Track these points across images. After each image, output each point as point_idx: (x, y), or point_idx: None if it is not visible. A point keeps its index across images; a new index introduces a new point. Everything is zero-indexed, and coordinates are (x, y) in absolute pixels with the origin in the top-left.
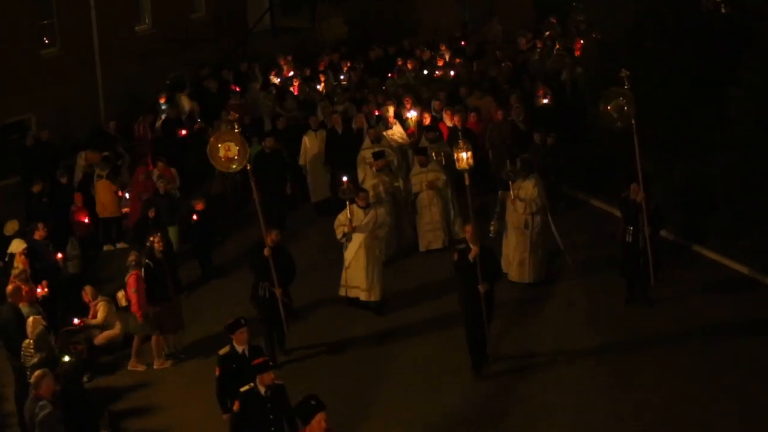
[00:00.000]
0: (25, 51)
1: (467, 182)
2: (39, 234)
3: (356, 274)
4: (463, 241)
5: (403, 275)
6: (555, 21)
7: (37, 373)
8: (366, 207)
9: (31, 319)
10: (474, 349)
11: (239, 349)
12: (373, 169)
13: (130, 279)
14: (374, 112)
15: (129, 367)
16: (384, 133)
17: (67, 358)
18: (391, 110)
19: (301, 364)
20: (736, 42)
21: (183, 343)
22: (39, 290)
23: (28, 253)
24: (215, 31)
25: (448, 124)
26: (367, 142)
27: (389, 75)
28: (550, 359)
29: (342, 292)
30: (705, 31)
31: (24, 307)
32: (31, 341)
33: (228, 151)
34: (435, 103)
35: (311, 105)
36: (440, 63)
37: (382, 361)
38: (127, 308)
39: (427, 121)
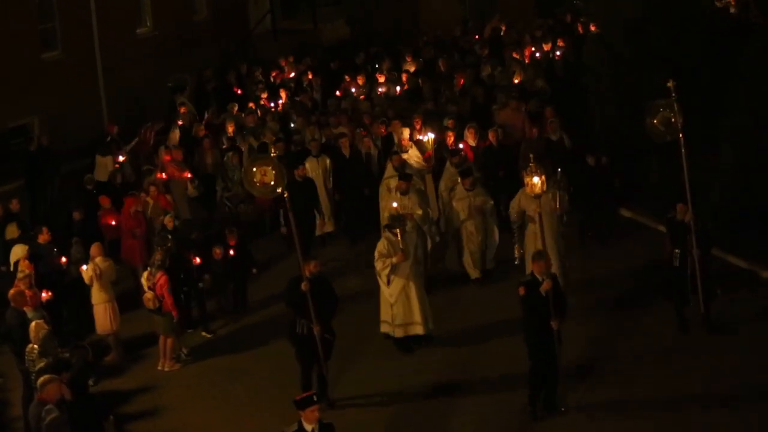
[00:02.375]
0: (27, 55)
1: (539, 209)
2: (43, 238)
3: (409, 309)
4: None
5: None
6: (504, 28)
7: (43, 378)
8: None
9: (33, 323)
10: (538, 388)
11: (308, 428)
12: (396, 192)
13: (162, 279)
14: (380, 133)
15: (166, 369)
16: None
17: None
18: (406, 132)
19: (347, 418)
20: (737, 36)
21: (188, 345)
22: (43, 294)
23: (32, 257)
24: (216, 33)
25: (471, 143)
26: (389, 169)
27: (336, 93)
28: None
29: (385, 329)
30: (706, 25)
31: (29, 312)
32: (35, 345)
33: (264, 176)
34: (449, 122)
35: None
36: (381, 79)
37: (439, 412)
38: (158, 310)
39: (450, 141)
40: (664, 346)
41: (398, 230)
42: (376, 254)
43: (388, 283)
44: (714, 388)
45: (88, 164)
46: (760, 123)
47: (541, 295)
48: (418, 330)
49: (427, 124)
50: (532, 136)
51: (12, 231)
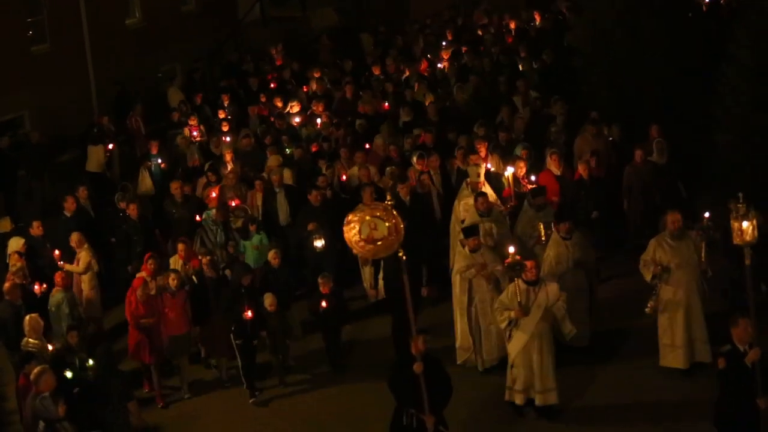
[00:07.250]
0: (16, 48)
1: (748, 262)
2: (35, 231)
3: (527, 373)
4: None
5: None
6: (399, 39)
7: (36, 369)
8: (535, 283)
9: (28, 317)
10: None
11: None
12: (466, 248)
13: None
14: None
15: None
16: (467, 200)
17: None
18: (482, 170)
19: None
20: (727, 18)
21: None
22: (36, 287)
23: (28, 250)
24: (206, 23)
25: (556, 172)
26: (471, 213)
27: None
28: None
29: (508, 396)
30: (696, 8)
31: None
32: (29, 339)
33: (374, 230)
34: (522, 151)
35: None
36: (296, 108)
37: None
38: None
39: (521, 173)
40: None
41: (517, 280)
42: (497, 303)
43: (509, 338)
44: None
45: (79, 156)
46: (752, 105)
47: (746, 368)
48: (535, 397)
49: (495, 154)
50: (638, 161)
51: (5, 225)
